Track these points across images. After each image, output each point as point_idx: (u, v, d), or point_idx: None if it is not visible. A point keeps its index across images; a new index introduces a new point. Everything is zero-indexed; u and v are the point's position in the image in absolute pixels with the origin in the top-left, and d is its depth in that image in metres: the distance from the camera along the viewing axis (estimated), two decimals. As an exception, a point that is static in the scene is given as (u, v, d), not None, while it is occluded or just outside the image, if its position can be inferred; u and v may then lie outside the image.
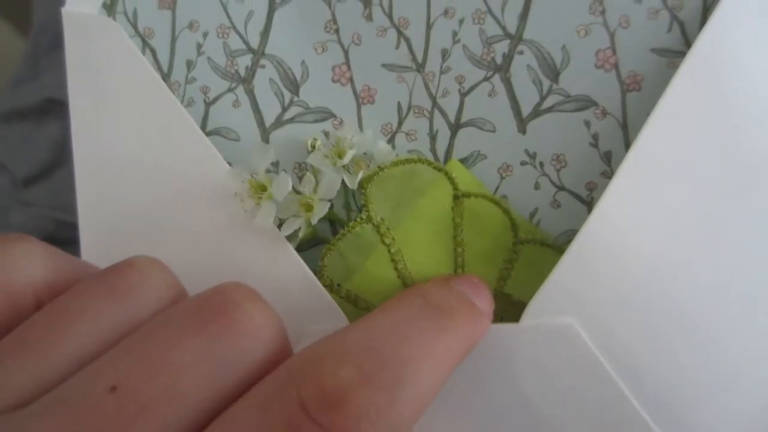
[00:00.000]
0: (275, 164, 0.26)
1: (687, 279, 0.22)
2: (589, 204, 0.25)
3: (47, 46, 0.39)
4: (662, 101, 0.22)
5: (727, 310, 0.22)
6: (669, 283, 0.22)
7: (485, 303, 0.21)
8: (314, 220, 0.23)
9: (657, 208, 0.22)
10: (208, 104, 0.26)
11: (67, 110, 0.38)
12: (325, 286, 0.23)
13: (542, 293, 0.22)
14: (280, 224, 0.24)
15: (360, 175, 0.24)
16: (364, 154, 0.25)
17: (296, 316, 0.23)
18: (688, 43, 0.24)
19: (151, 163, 0.25)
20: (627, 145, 0.24)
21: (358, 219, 0.24)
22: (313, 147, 0.26)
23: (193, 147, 0.25)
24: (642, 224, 0.22)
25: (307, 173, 0.24)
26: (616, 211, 0.22)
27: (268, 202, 0.24)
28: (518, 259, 0.24)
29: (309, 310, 0.23)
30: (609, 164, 0.24)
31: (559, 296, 0.22)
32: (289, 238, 0.24)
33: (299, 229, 0.24)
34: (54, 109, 0.40)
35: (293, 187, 0.24)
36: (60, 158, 0.40)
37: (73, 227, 0.39)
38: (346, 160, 0.24)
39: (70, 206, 0.38)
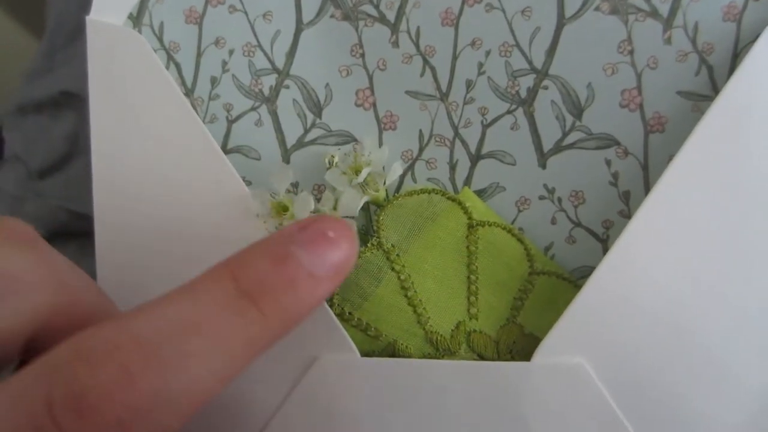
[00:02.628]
0: (295, 185, 0.26)
1: (701, 324, 0.22)
2: (604, 242, 0.25)
3: (64, 41, 0.39)
4: (686, 145, 0.22)
5: (741, 355, 0.22)
6: (682, 326, 0.22)
7: (326, 261, 0.17)
8: None
9: (674, 252, 0.22)
10: (230, 122, 0.26)
11: (81, 103, 0.38)
12: (336, 314, 0.24)
13: (555, 333, 0.23)
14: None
15: (363, 200, 0.24)
16: (383, 168, 0.26)
17: (306, 343, 0.23)
18: (715, 88, 0.24)
19: (168, 178, 0.25)
20: (647, 186, 0.24)
21: (369, 245, 0.24)
22: (331, 164, 0.26)
23: (210, 165, 0.25)
24: (657, 267, 0.22)
25: (326, 191, 0.24)
26: (633, 253, 0.23)
27: (290, 222, 0.24)
28: (533, 289, 0.25)
29: (318, 336, 0.24)
30: (627, 204, 0.25)
31: (572, 336, 0.23)
32: None
33: None
34: (69, 102, 0.39)
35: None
36: (74, 150, 0.40)
37: (86, 218, 0.39)
38: (361, 177, 0.24)
39: (84, 198, 0.38)
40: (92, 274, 0.25)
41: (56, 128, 0.40)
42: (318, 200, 0.26)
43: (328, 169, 0.25)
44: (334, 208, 0.24)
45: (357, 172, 0.24)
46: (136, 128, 0.26)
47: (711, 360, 0.22)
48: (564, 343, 0.23)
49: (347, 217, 0.24)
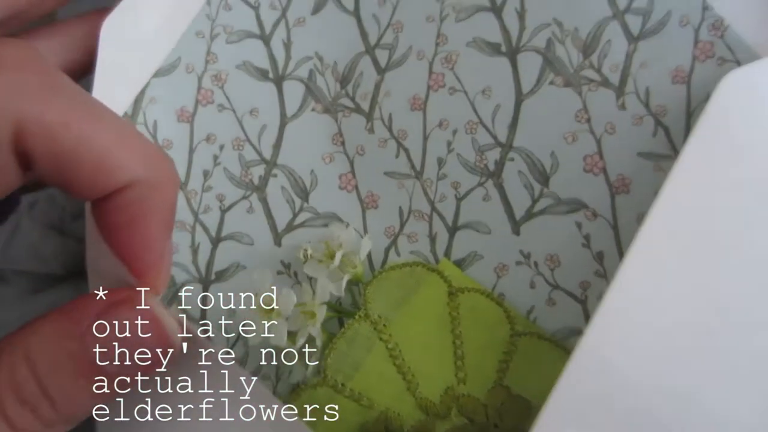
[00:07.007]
0: (287, 266, 0.28)
1: (695, 385, 0.22)
2: (583, 302, 0.26)
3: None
4: (654, 207, 0.22)
5: (742, 416, 0.22)
6: (676, 390, 0.22)
7: None
8: (318, 324, 0.25)
9: (657, 314, 0.22)
10: (223, 211, 0.29)
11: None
12: (330, 386, 0.25)
13: (547, 410, 0.21)
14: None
15: (345, 280, 0.25)
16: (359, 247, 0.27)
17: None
18: (673, 146, 0.25)
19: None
20: (618, 245, 0.25)
21: (356, 317, 0.26)
22: (306, 257, 0.27)
23: None
24: (643, 331, 0.22)
25: (303, 284, 0.26)
26: (615, 319, 0.22)
27: (278, 320, 0.25)
28: (516, 351, 0.25)
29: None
30: (601, 264, 0.25)
31: (566, 411, 0.22)
32: (310, 354, 0.26)
33: (315, 339, 0.25)
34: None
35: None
36: None
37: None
38: (336, 261, 0.26)
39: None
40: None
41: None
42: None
43: (304, 263, 0.27)
44: (313, 298, 0.26)
45: (332, 257, 0.26)
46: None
47: (711, 424, 0.22)
48: (559, 420, 0.22)
49: (324, 302, 0.25)
